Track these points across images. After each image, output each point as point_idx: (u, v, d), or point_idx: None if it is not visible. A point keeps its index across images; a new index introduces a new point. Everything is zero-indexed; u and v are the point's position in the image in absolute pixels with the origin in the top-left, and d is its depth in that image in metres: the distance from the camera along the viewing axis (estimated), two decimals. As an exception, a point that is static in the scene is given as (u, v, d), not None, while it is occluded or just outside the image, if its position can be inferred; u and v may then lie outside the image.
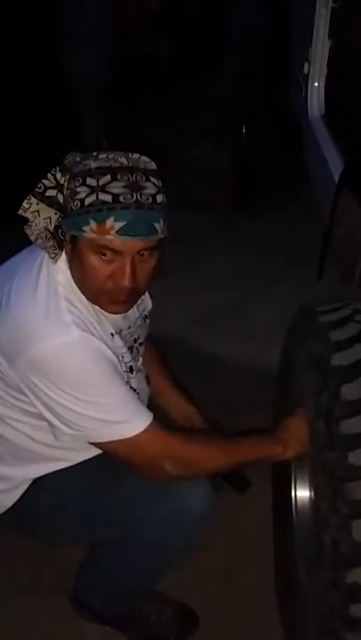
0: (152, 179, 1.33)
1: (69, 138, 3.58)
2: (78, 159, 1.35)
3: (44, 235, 1.37)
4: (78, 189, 1.31)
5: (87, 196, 1.29)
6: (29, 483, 1.54)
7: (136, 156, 1.35)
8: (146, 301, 1.67)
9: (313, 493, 1.66)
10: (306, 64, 2.88)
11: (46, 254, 1.39)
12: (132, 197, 1.29)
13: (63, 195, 1.35)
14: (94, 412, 1.35)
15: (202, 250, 3.56)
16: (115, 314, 1.45)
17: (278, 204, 3.80)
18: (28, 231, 1.39)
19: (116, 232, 1.29)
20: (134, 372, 1.54)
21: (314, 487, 1.53)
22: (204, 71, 5.44)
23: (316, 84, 2.85)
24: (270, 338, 1.82)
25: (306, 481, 1.72)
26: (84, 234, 1.31)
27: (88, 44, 3.99)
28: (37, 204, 1.36)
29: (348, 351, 1.38)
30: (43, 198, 1.36)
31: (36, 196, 1.36)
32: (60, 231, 1.37)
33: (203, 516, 1.49)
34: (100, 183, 1.29)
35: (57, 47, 4.19)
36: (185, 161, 4.37)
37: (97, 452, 1.51)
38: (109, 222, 1.28)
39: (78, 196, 1.30)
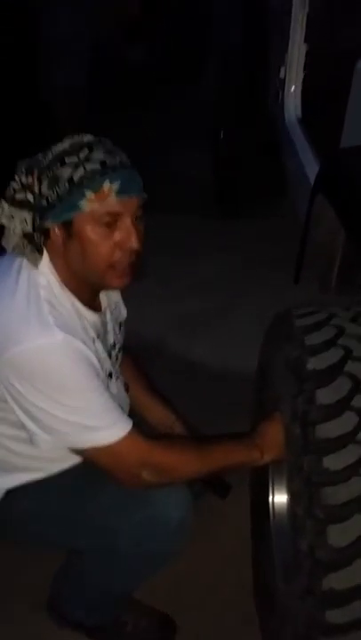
0: (116, 148, 1.37)
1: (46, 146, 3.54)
2: (40, 155, 1.36)
3: (21, 242, 1.36)
4: (60, 172, 1.32)
5: (73, 172, 1.31)
6: (3, 493, 1.51)
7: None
8: (120, 308, 1.65)
9: (289, 499, 1.66)
10: (282, 68, 2.89)
11: (24, 259, 1.38)
12: (116, 160, 1.33)
13: (33, 194, 1.35)
14: (74, 417, 1.33)
15: (184, 255, 3.56)
16: (120, 288, 1.49)
17: (260, 208, 3.81)
18: (4, 243, 1.38)
19: (115, 193, 1.31)
20: (113, 378, 1.53)
21: (290, 493, 1.52)
22: (184, 76, 5.45)
23: (293, 88, 2.86)
24: (253, 343, 1.83)
25: (283, 486, 1.72)
26: (82, 208, 1.31)
27: (64, 53, 3.97)
28: (9, 207, 1.35)
29: (323, 355, 1.37)
30: (14, 202, 1.35)
31: (7, 201, 1.35)
32: (36, 235, 1.36)
33: (181, 524, 1.47)
34: (82, 157, 1.32)
35: (34, 55, 4.16)
36: (166, 166, 4.37)
37: (74, 462, 1.50)
38: (106, 186, 1.30)
39: (63, 177, 1.31)
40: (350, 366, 1.34)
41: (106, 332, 1.53)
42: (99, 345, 1.45)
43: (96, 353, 1.41)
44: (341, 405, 1.29)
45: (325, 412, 1.29)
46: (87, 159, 1.31)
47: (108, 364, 1.49)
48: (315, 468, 1.27)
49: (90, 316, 1.44)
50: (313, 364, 1.37)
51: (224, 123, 3.96)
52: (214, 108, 4.14)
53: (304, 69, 2.80)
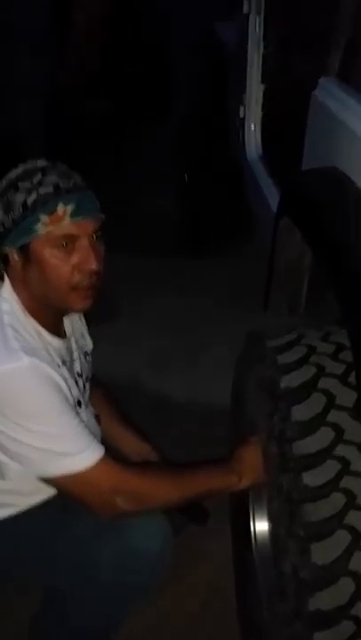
0: (71, 170, 1.38)
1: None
2: None
3: None
4: (14, 198, 1.32)
5: (27, 197, 1.31)
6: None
7: None
8: (86, 337, 1.64)
9: (271, 523, 1.63)
10: (241, 108, 2.96)
11: None
12: (70, 182, 1.33)
13: None
14: (43, 444, 1.30)
15: (154, 294, 3.57)
16: (83, 311, 1.47)
17: (227, 246, 3.85)
18: None
19: (70, 216, 1.30)
20: (82, 407, 1.51)
21: (270, 514, 1.50)
22: (145, 125, 5.55)
23: (253, 127, 2.93)
24: (227, 376, 1.83)
25: (264, 512, 1.69)
26: (38, 232, 1.31)
27: (19, 100, 4.02)
28: None
29: (296, 373, 1.37)
30: None
31: None
32: None
33: (159, 556, 1.43)
34: (35, 181, 1.32)
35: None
36: (132, 210, 4.41)
37: (46, 496, 1.46)
38: (60, 209, 1.30)
39: (17, 203, 1.32)
40: (324, 382, 1.34)
41: (72, 359, 1.51)
42: (64, 371, 1.43)
43: (63, 378, 1.39)
44: (317, 421, 1.29)
45: (302, 428, 1.29)
46: (40, 183, 1.32)
47: (76, 392, 1.47)
48: (294, 485, 1.26)
49: (54, 342, 1.43)
50: (286, 382, 1.37)
51: (187, 165, 4.02)
52: (178, 152, 4.21)
53: (262, 108, 2.87)
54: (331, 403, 1.30)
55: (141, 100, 5.72)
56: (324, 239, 1.40)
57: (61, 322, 1.50)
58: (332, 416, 1.29)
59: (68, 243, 1.33)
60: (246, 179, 3.07)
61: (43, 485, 1.40)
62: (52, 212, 1.30)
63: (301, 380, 1.36)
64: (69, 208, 1.30)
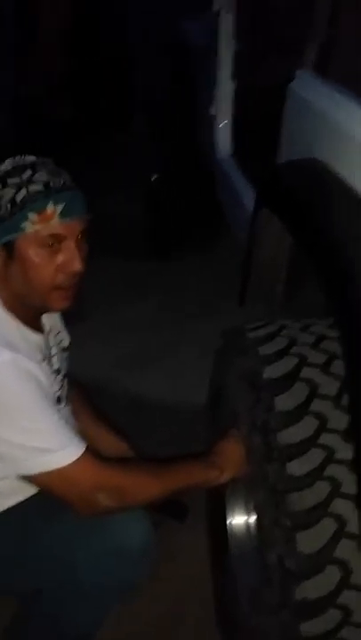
0: (60, 169, 1.36)
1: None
2: None
3: None
4: (2, 193, 1.29)
5: (16, 193, 1.28)
6: None
7: None
8: (63, 333, 1.61)
9: (250, 517, 1.63)
10: (212, 106, 2.96)
11: None
12: (60, 181, 1.31)
13: None
14: (24, 440, 1.27)
15: (124, 296, 3.54)
16: (62, 310, 1.44)
17: (197, 246, 3.84)
18: None
19: (59, 215, 1.28)
20: (62, 403, 1.48)
21: (255, 506, 1.49)
22: (109, 128, 5.52)
23: (224, 124, 2.93)
24: (200, 374, 1.83)
25: (242, 507, 1.68)
26: (26, 230, 1.28)
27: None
28: None
29: (278, 363, 1.37)
30: None
31: None
32: None
33: (143, 553, 1.41)
34: (25, 178, 1.29)
35: None
36: (98, 215, 4.38)
37: (24, 495, 1.43)
38: (50, 208, 1.27)
39: (5, 198, 1.28)
40: (306, 372, 1.34)
41: (50, 355, 1.49)
42: (45, 367, 1.41)
43: (44, 374, 1.36)
44: (301, 411, 1.29)
45: (285, 418, 1.29)
46: (30, 180, 1.29)
47: (56, 388, 1.44)
48: (279, 475, 1.25)
49: (33, 337, 1.41)
50: (269, 372, 1.37)
51: (154, 165, 4.00)
52: (144, 151, 4.19)
53: (233, 105, 2.87)
54: (314, 392, 1.31)
55: (108, 102, 5.70)
56: (310, 228, 1.39)
57: (40, 317, 1.47)
58: (316, 405, 1.29)
59: (54, 243, 1.30)
60: (217, 176, 3.07)
61: (23, 485, 1.37)
62: (41, 210, 1.27)
63: (284, 371, 1.35)
64: (59, 208, 1.28)
